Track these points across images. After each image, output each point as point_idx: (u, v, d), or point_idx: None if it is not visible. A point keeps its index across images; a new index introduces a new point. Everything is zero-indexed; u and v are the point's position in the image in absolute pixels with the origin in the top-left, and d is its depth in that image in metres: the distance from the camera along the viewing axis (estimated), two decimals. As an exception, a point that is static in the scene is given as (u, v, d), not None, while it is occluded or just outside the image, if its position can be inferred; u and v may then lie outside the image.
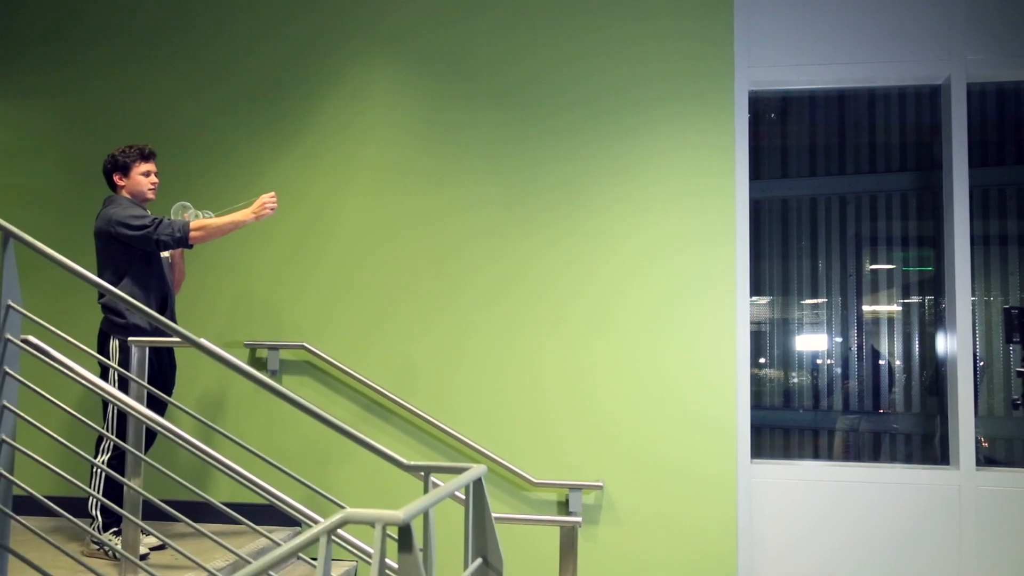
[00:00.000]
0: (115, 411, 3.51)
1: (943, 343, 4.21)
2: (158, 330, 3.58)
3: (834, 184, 4.43)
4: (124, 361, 3.48)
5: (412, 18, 4.42)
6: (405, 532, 1.51)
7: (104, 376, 3.54)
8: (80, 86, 4.62)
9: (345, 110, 4.43)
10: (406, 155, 4.37)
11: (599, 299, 4.17)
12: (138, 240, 3.51)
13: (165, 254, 3.81)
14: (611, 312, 4.16)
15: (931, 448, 4.21)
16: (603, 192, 4.21)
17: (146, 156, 3.69)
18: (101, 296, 3.62)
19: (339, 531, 2.78)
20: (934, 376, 4.23)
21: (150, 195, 3.71)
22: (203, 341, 2.81)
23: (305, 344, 4.25)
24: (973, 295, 4.18)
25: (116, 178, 3.68)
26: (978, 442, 4.10)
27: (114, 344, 3.53)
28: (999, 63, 4.15)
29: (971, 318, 4.09)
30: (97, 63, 4.61)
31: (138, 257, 3.58)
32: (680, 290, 4.12)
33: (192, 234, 3.52)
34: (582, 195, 4.23)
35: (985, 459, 4.13)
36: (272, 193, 3.67)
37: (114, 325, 3.55)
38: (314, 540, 1.52)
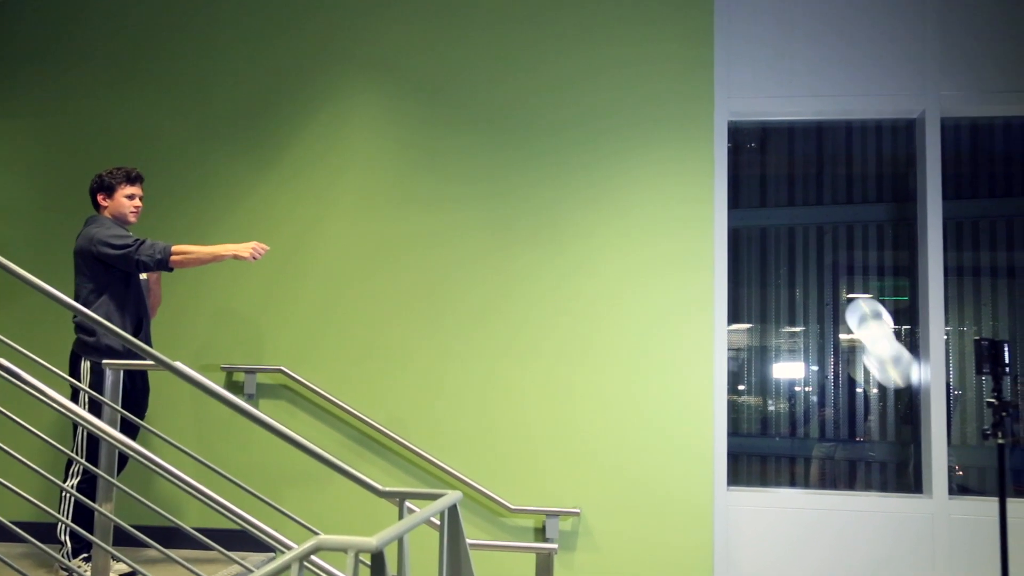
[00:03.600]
0: (85, 434, 3.46)
1: (917, 372, 4.25)
2: (131, 352, 3.55)
3: (812, 214, 4.48)
4: (95, 383, 3.45)
5: (395, 44, 4.45)
6: (378, 559, 1.50)
7: (75, 398, 3.50)
8: (61, 107, 4.60)
9: (327, 135, 4.44)
10: (388, 180, 4.38)
11: (578, 325, 4.18)
12: (119, 260, 3.49)
13: (143, 277, 3.79)
14: (590, 338, 4.17)
15: (905, 476, 4.23)
16: (583, 218, 4.24)
17: (132, 179, 3.68)
18: (75, 316, 3.59)
19: (312, 558, 2.75)
20: (908, 405, 4.26)
21: (131, 218, 3.69)
22: (178, 364, 2.79)
23: (282, 368, 4.23)
24: (947, 325, 4.23)
25: (100, 198, 3.67)
26: (952, 470, 4.13)
27: (85, 366, 3.50)
28: (973, 99, 4.24)
29: (944, 348, 4.14)
30: (78, 84, 4.60)
31: (117, 278, 3.56)
32: (659, 317, 4.14)
33: (173, 258, 3.51)
34: (563, 221, 4.25)
35: (958, 487, 4.16)
36: (267, 247, 3.67)
37: (86, 346, 3.52)
38: (286, 567, 1.50)
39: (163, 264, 3.51)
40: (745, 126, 4.53)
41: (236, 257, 3.58)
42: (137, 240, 3.51)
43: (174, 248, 3.52)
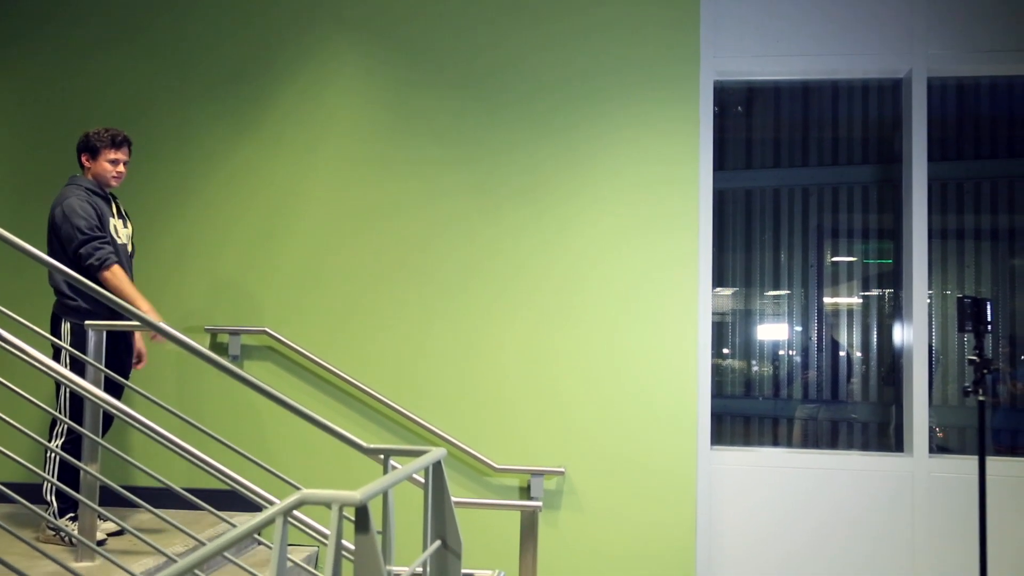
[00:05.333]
0: (68, 394, 3.44)
1: (900, 334, 4.29)
2: (113, 313, 3.52)
3: (797, 176, 4.48)
4: (76, 344, 3.42)
5: (377, 6, 4.38)
6: (362, 513, 1.50)
7: (56, 358, 3.48)
8: (39, 71, 4.52)
9: (309, 97, 4.39)
10: (370, 143, 4.34)
11: (562, 287, 4.18)
12: (65, 240, 3.45)
13: (123, 241, 3.72)
14: (574, 300, 4.17)
15: (887, 436, 4.29)
16: (567, 180, 4.22)
17: (117, 144, 3.59)
18: (51, 277, 3.55)
19: (297, 513, 2.77)
20: (891, 366, 4.31)
21: (113, 183, 3.62)
22: (162, 324, 2.77)
23: (267, 329, 4.21)
24: (930, 288, 4.26)
25: (84, 158, 3.60)
26: (932, 430, 4.19)
27: (66, 327, 3.47)
28: (959, 58, 4.22)
29: (927, 310, 4.17)
30: (57, 47, 4.51)
31: None
32: (643, 278, 4.14)
33: (104, 273, 3.43)
34: (547, 183, 4.23)
35: (938, 447, 4.22)
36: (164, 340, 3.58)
37: (67, 308, 3.48)
38: (270, 521, 1.51)
39: (90, 272, 3.44)
40: (731, 86, 4.50)
41: (146, 323, 3.08)
42: (91, 236, 3.44)
43: (112, 270, 3.44)
